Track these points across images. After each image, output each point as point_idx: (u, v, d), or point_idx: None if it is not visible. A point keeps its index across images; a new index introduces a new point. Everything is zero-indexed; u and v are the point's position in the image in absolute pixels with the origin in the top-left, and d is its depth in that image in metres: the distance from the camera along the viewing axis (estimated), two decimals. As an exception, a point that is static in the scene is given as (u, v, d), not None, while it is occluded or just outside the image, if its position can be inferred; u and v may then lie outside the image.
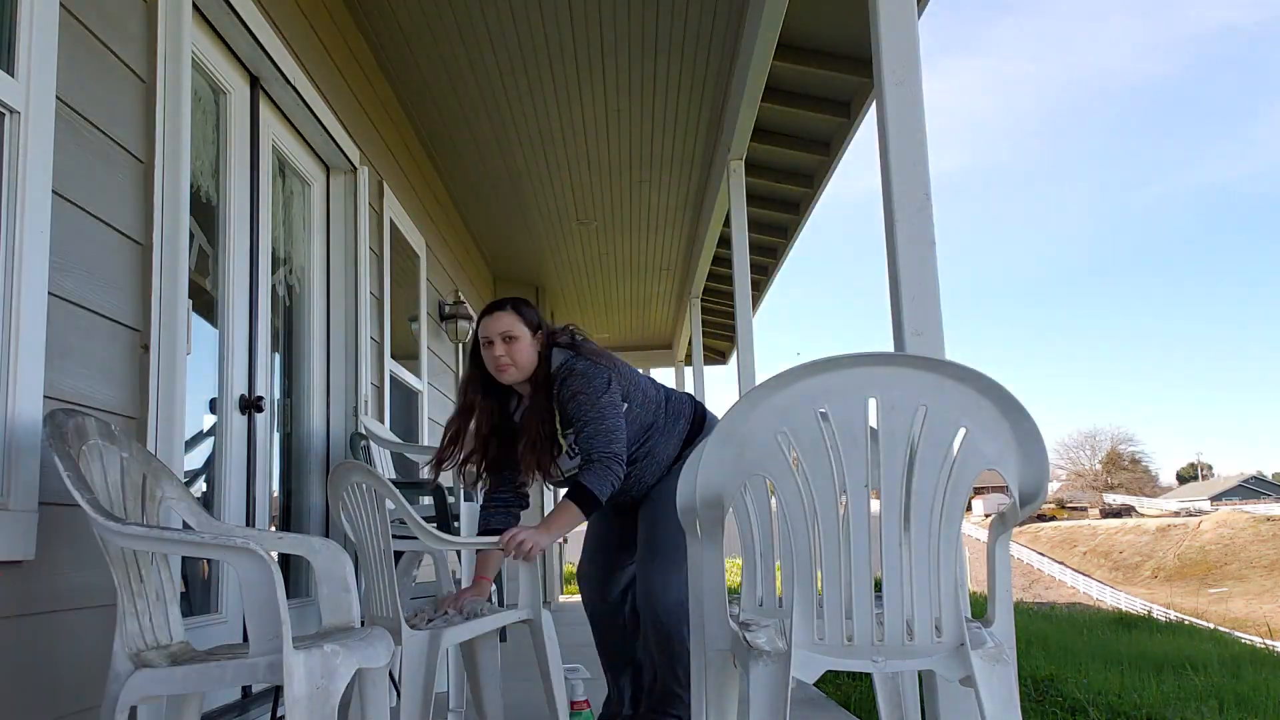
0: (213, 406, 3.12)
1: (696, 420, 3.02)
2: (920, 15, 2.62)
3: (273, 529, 3.61)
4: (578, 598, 3.15)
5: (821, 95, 5.14)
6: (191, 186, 2.69)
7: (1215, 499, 60.42)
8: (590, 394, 2.73)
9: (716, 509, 1.75)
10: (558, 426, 2.82)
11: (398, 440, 4.56)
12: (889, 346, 2.36)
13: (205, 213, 3.12)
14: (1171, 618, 25.62)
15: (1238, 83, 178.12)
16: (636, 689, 3.07)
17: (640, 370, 3.09)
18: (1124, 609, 26.69)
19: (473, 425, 2.88)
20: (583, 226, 7.21)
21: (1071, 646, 10.29)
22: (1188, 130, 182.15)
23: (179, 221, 2.54)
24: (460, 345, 6.63)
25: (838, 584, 1.62)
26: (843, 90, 5.05)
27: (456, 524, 3.57)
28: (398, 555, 3.62)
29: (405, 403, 5.24)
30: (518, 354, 2.78)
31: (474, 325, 2.89)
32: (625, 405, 2.82)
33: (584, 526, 2.97)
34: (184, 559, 2.68)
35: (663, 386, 3.07)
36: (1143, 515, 58.49)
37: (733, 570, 13.07)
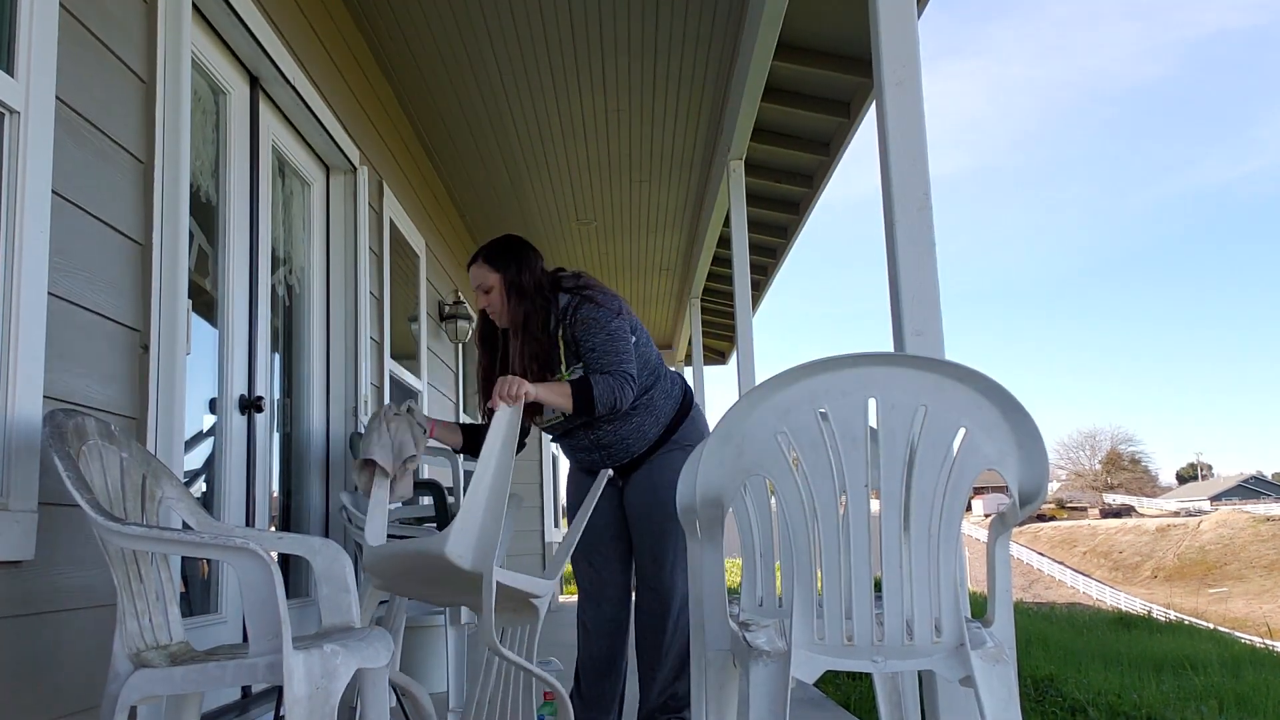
0: (213, 406, 3.12)
1: (687, 397, 3.07)
2: (920, 16, 2.62)
3: (272, 529, 3.61)
4: (576, 598, 3.14)
5: (821, 95, 5.14)
6: (191, 186, 2.69)
7: (1215, 499, 60.43)
8: (600, 319, 2.81)
9: (716, 509, 1.75)
10: (562, 359, 2.87)
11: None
12: (889, 347, 2.36)
13: (205, 213, 3.12)
14: (1171, 618, 25.62)
15: (1234, 85, 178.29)
16: (644, 693, 3.02)
17: None
18: (1124, 609, 26.69)
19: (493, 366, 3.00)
20: (583, 226, 7.21)
21: (1071, 646, 10.29)
22: (1185, 133, 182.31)
23: (179, 221, 2.54)
24: (460, 345, 6.63)
25: (838, 584, 1.62)
26: (843, 90, 5.04)
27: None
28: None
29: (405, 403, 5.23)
30: (495, 301, 2.89)
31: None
32: (634, 338, 2.89)
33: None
34: (184, 559, 2.68)
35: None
36: (1142, 515, 58.49)
37: (733, 570, 13.07)
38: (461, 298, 6.59)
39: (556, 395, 2.73)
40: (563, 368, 2.87)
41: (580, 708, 3.02)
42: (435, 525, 3.51)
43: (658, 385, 2.96)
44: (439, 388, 6.09)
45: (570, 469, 3.19)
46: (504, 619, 2.65)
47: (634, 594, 3.06)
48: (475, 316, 3.05)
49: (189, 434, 2.70)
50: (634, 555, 3.04)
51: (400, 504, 4.01)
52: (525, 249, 2.94)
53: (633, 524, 3.01)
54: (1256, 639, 17.97)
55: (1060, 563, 49.10)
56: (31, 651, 1.96)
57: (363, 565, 2.42)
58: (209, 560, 3.03)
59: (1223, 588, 41.83)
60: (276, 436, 3.65)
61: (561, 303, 2.87)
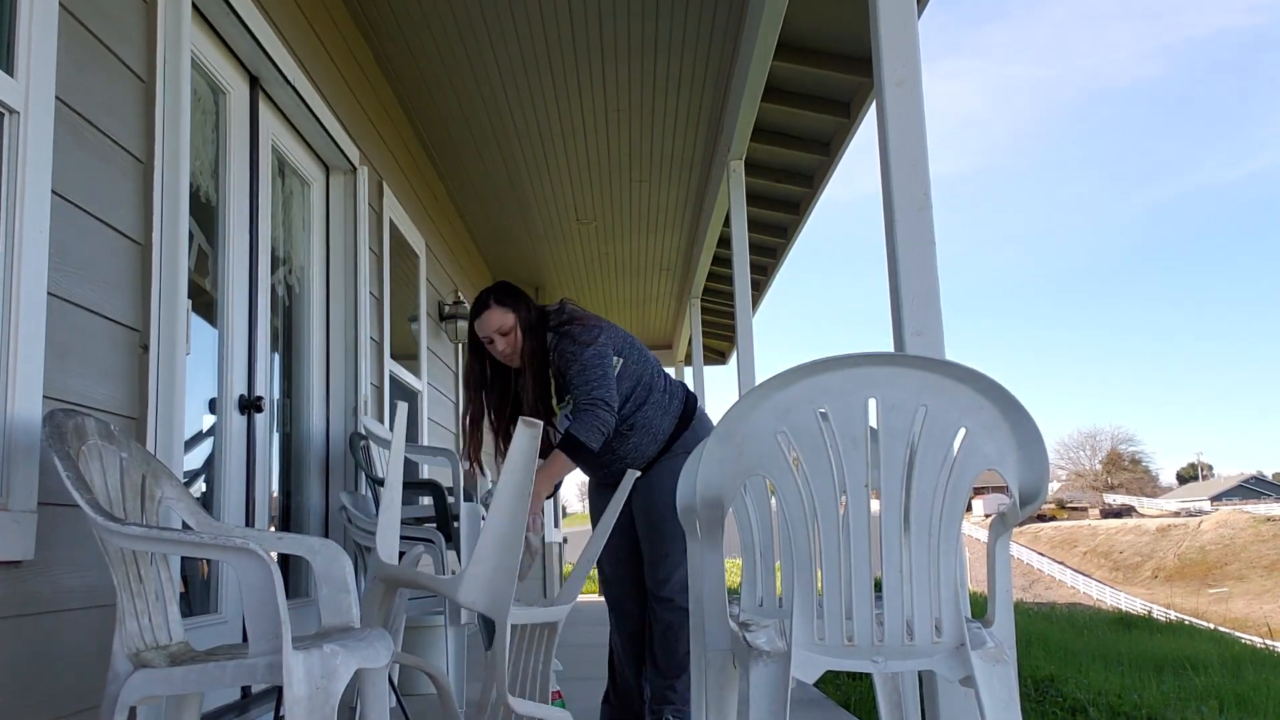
0: (212, 406, 3.12)
1: (689, 407, 3.12)
2: (920, 16, 2.62)
3: (272, 529, 3.61)
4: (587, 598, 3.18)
5: (821, 95, 5.14)
6: (191, 186, 2.68)
7: (1215, 499, 60.40)
8: (576, 350, 2.91)
9: (716, 509, 1.75)
10: (553, 395, 3.01)
11: (398, 440, 4.55)
12: (889, 347, 2.36)
13: (205, 213, 3.12)
14: (1171, 618, 25.61)
15: (1235, 86, 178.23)
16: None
17: None
18: (1124, 609, 26.69)
19: (486, 406, 3.10)
20: (583, 226, 7.21)
21: (1071, 646, 10.29)
22: (1186, 133, 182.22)
23: (179, 221, 2.54)
24: (460, 345, 6.63)
25: (838, 584, 1.61)
26: (843, 90, 5.04)
27: (456, 524, 3.57)
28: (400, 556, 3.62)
29: (405, 403, 5.23)
30: (514, 342, 2.98)
31: (469, 321, 3.08)
32: (619, 361, 2.96)
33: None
34: (184, 559, 2.68)
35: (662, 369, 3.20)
36: (1143, 515, 58.47)
37: (733, 570, 13.07)
38: (461, 297, 6.59)
39: (554, 472, 2.89)
40: (554, 402, 3.02)
41: (618, 706, 3.15)
42: (435, 525, 3.51)
43: (650, 400, 3.01)
44: (439, 388, 6.09)
45: (589, 482, 3.27)
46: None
47: None
48: (466, 360, 3.17)
49: (189, 434, 2.70)
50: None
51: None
52: (519, 290, 3.06)
53: (638, 526, 3.10)
54: (1257, 639, 17.97)
55: (1060, 563, 49.08)
56: (31, 651, 1.95)
57: (373, 573, 2.43)
58: (209, 560, 3.03)
59: (1223, 588, 41.82)
60: (276, 436, 3.65)
61: (549, 341, 2.99)
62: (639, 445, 3.01)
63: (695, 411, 3.12)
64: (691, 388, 3.24)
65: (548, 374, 2.99)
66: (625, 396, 2.97)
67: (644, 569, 3.07)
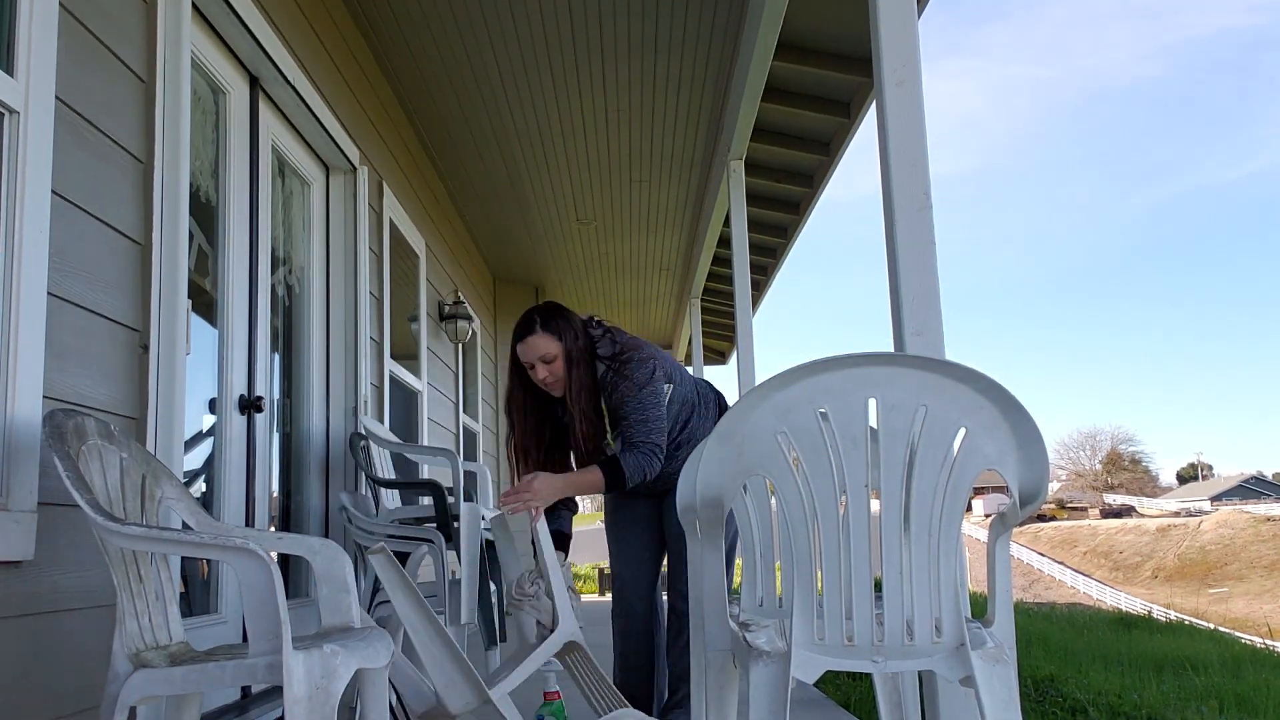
0: (212, 406, 3.12)
1: (721, 405, 3.12)
2: (920, 16, 2.62)
3: (272, 529, 3.60)
4: (579, 599, 3.17)
5: (821, 95, 5.14)
6: (191, 186, 2.68)
7: (1215, 499, 60.39)
8: (633, 386, 2.82)
9: (716, 509, 1.75)
10: (607, 428, 2.91)
11: (397, 440, 4.56)
12: (889, 347, 2.36)
13: (205, 213, 3.12)
14: (1171, 618, 25.61)
15: (1235, 86, 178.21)
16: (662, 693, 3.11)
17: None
18: (1124, 609, 26.69)
19: (528, 437, 2.95)
20: (583, 226, 7.21)
21: (1071, 646, 10.29)
22: (1186, 133, 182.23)
23: (179, 221, 2.53)
24: (460, 345, 6.63)
25: (838, 584, 1.61)
26: (843, 90, 5.04)
27: (456, 524, 3.56)
28: (402, 556, 3.62)
29: (405, 403, 5.24)
30: (558, 371, 2.84)
31: (510, 344, 2.93)
32: (669, 388, 2.90)
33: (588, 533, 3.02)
34: (184, 559, 2.68)
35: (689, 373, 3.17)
36: (1143, 515, 58.46)
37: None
38: (462, 297, 6.59)
39: (584, 485, 2.77)
40: (609, 436, 2.93)
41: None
42: (435, 525, 3.51)
43: (694, 418, 2.99)
44: (439, 388, 6.09)
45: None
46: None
47: (665, 594, 3.15)
48: (506, 382, 2.97)
49: (189, 434, 2.70)
50: (667, 557, 3.13)
51: (400, 504, 4.00)
52: (569, 313, 2.91)
53: (668, 528, 3.09)
54: (1257, 639, 17.97)
55: (1060, 563, 49.07)
56: (31, 651, 1.96)
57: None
58: (209, 560, 3.03)
59: (1223, 588, 41.82)
60: (276, 436, 3.65)
61: (599, 371, 2.88)
62: (684, 457, 2.98)
63: (726, 408, 3.10)
64: (723, 394, 3.20)
65: (600, 409, 2.87)
66: (675, 419, 2.93)
67: (670, 572, 3.07)
